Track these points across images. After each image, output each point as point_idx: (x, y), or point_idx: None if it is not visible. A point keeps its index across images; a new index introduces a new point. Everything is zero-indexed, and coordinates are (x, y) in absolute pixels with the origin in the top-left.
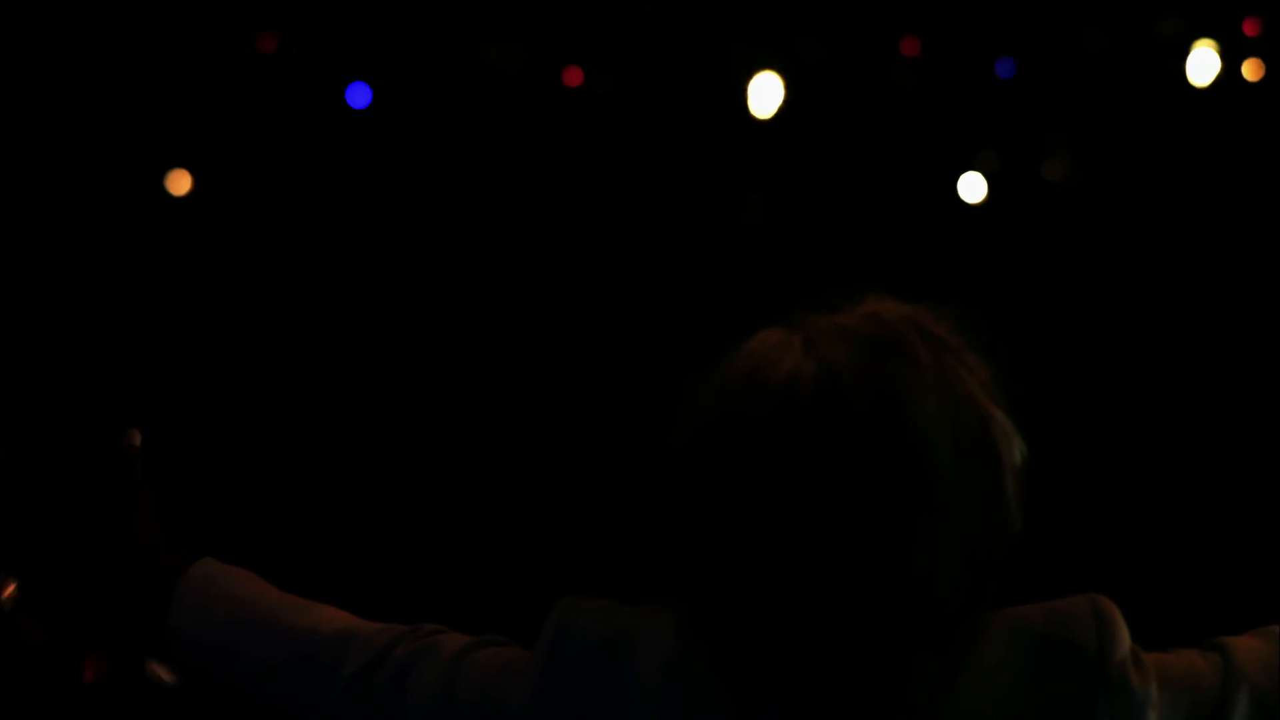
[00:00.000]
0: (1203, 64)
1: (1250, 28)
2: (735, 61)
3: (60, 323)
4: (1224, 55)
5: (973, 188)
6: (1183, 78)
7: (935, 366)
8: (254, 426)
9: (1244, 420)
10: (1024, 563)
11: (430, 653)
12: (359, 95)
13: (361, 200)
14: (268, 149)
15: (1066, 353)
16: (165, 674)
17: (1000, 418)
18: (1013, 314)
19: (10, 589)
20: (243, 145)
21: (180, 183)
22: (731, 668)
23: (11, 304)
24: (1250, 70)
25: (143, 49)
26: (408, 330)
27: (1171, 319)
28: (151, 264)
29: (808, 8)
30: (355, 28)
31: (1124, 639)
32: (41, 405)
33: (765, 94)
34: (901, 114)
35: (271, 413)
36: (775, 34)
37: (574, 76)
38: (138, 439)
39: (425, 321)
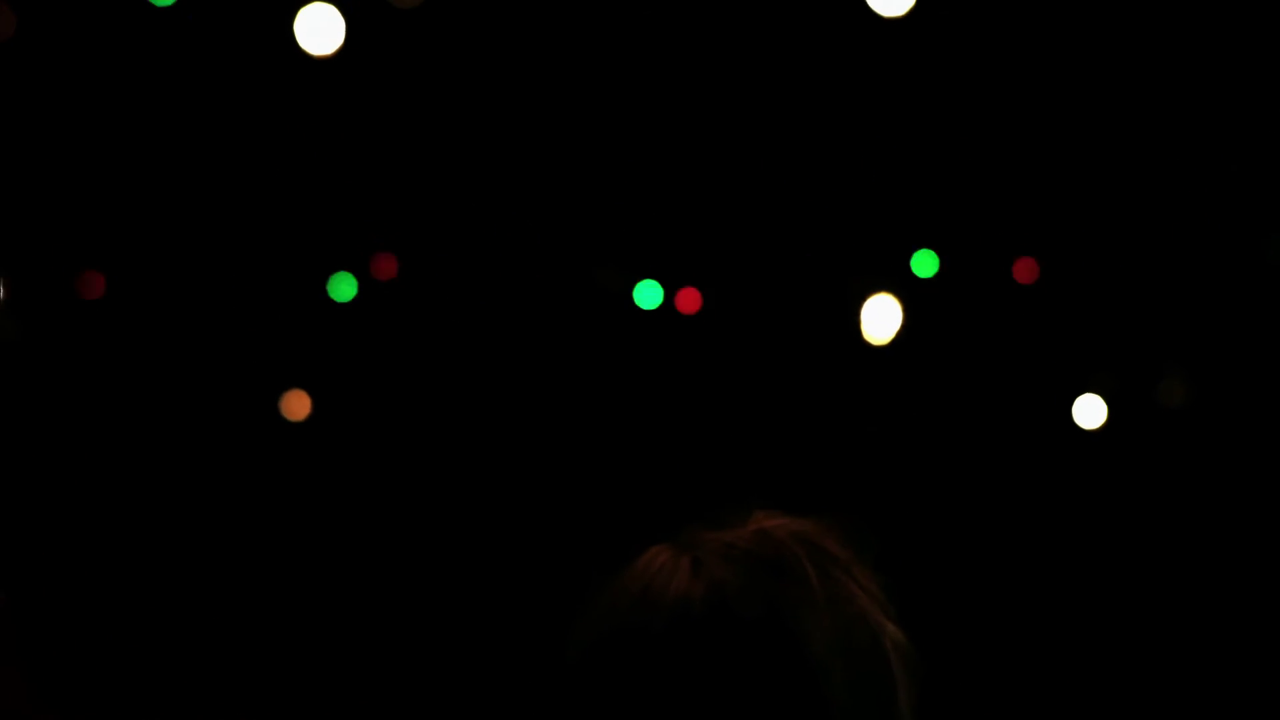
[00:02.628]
0: None
1: None
2: (850, 284)
3: None
4: None
5: (1090, 412)
6: None
7: (824, 584)
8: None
9: None
10: None
11: None
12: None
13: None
14: (390, 374)
15: (1190, 574)
16: None
17: (892, 630)
18: (1128, 538)
19: None
20: (364, 369)
21: (299, 406)
22: None
23: None
24: None
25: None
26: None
27: None
28: None
29: (923, 231)
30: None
31: None
32: None
33: (881, 318)
34: (1018, 336)
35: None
36: (890, 257)
37: (690, 302)
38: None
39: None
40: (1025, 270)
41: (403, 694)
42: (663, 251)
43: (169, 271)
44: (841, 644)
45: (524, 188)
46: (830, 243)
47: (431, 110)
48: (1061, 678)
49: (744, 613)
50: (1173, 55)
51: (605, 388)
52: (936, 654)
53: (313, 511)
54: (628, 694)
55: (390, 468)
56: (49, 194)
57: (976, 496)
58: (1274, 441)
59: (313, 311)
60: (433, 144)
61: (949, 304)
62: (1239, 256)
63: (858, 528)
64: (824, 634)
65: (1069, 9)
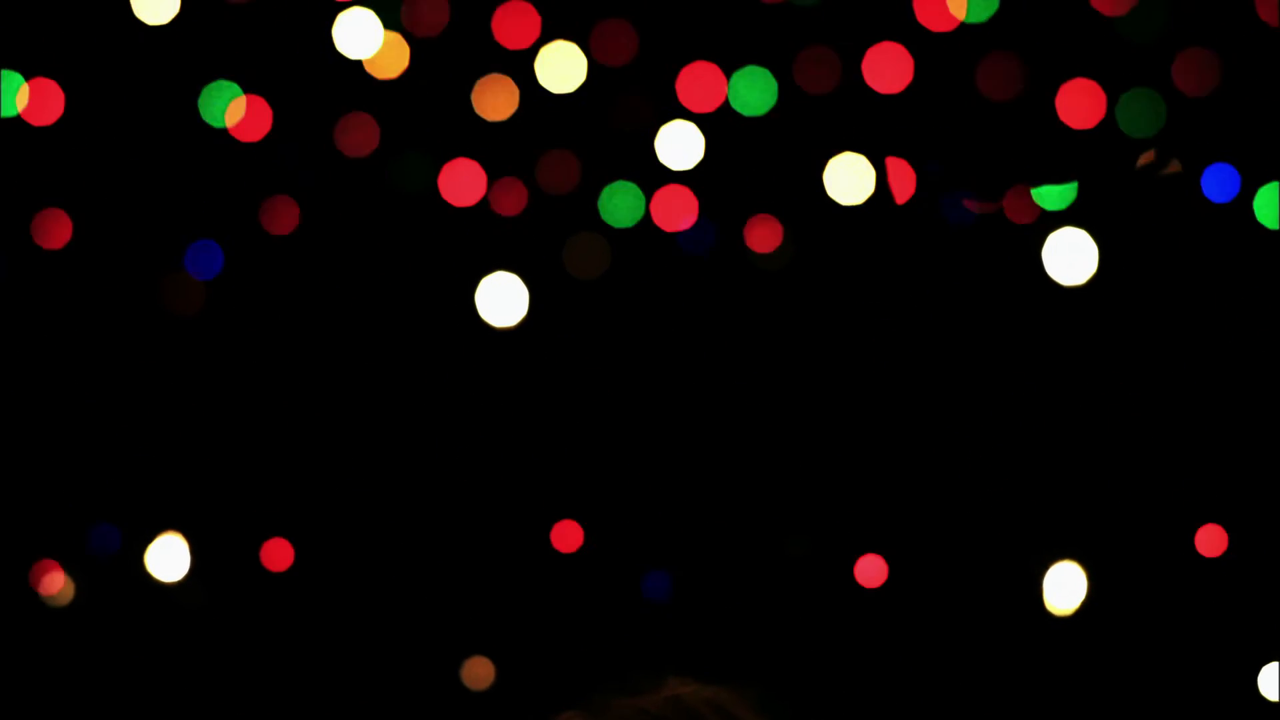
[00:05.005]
0: None
1: None
2: (1031, 554)
3: None
4: None
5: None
6: None
7: None
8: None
9: None
10: None
11: None
12: (658, 586)
13: None
14: (568, 638)
15: None
16: None
17: None
18: None
19: None
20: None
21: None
22: None
23: None
24: None
25: None
26: None
27: None
28: None
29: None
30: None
31: None
32: None
33: (1065, 588)
34: (1202, 611)
35: None
36: (1076, 529)
37: (871, 575)
38: None
39: None
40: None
41: None
42: None
43: None
44: None
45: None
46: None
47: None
48: None
49: None
50: None
51: None
52: None
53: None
54: None
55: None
56: None
57: None
58: None
59: None
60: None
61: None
62: None
63: (772, 695)
64: None
65: None
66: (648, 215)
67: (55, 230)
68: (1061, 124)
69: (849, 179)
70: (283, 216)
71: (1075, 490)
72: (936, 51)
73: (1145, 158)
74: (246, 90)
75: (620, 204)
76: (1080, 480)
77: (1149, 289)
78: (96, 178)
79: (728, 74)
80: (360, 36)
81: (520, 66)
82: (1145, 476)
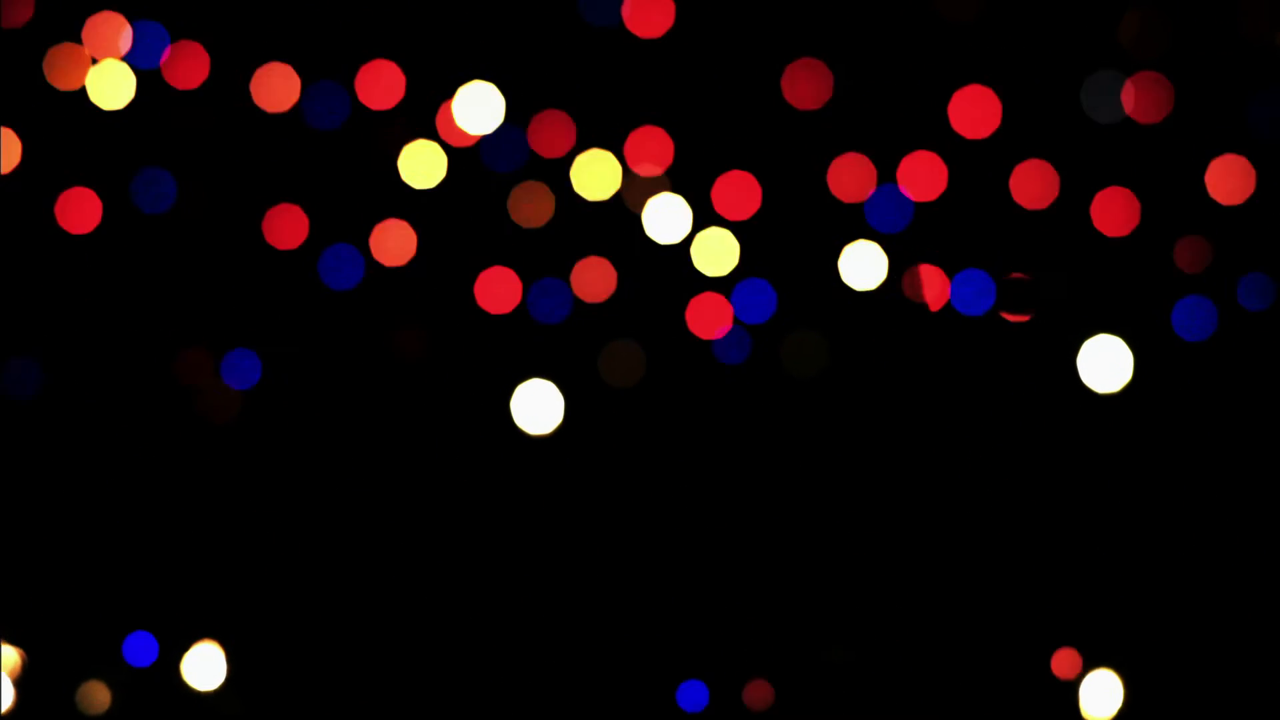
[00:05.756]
0: None
1: None
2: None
3: None
4: None
5: None
6: None
7: None
8: None
9: None
10: None
11: None
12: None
13: None
14: None
15: None
16: None
17: None
18: None
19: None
20: None
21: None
22: None
23: None
24: None
25: None
26: None
27: None
28: None
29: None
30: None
31: None
32: None
33: (1103, 696)
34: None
35: None
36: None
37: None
38: None
39: None
40: None
41: None
42: None
43: None
44: None
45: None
46: None
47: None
48: None
49: None
50: None
51: None
52: None
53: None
54: None
55: None
56: None
57: None
58: None
59: None
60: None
61: None
62: None
63: None
64: None
65: None
66: (683, 322)
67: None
68: (1096, 231)
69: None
70: (321, 323)
71: (1107, 595)
72: (971, 158)
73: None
74: (284, 199)
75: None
76: (1111, 582)
77: (1183, 396)
78: (134, 287)
79: (763, 181)
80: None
81: (557, 174)
82: (1178, 582)
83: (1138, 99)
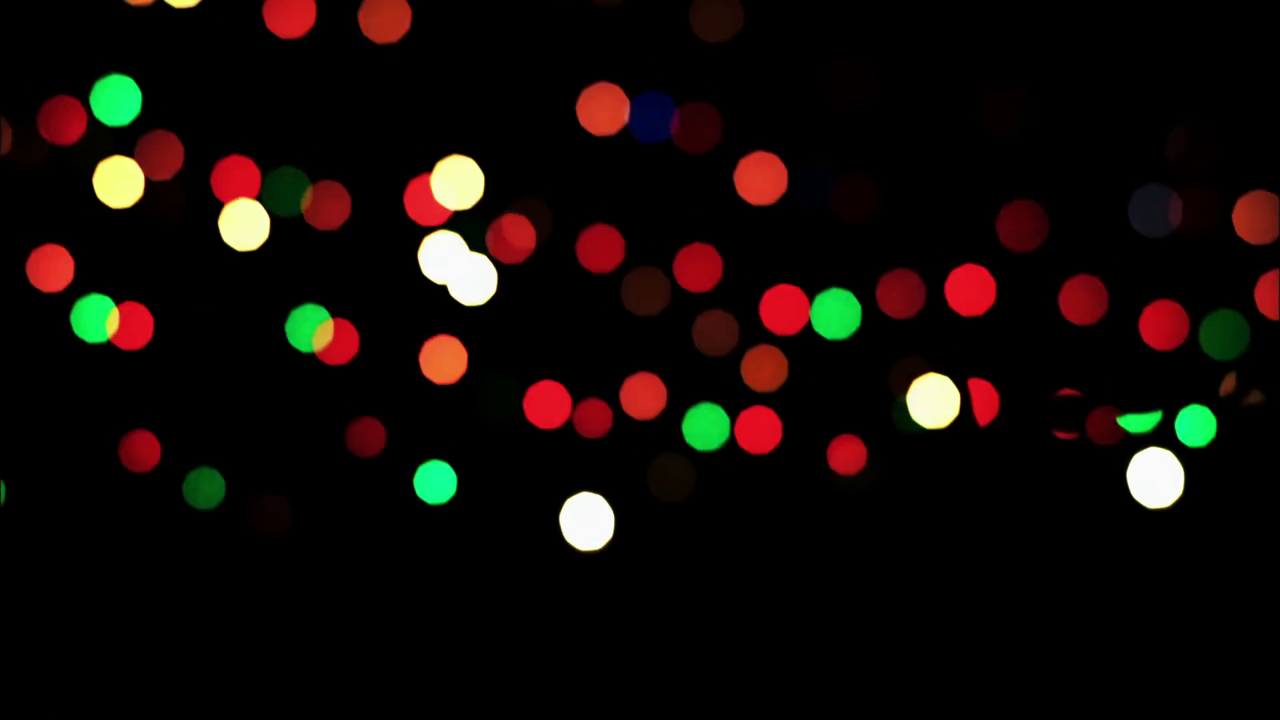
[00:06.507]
0: None
1: None
2: None
3: None
4: None
5: None
6: None
7: None
8: None
9: None
10: None
11: None
12: None
13: None
14: None
15: None
16: None
17: None
18: None
19: None
20: None
21: None
22: None
23: None
24: None
25: None
26: None
27: None
28: None
29: None
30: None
31: None
32: None
33: None
34: None
35: None
36: None
37: None
38: None
39: None
40: None
41: None
42: None
43: None
44: None
45: None
46: None
47: None
48: None
49: None
50: None
51: None
52: None
53: None
54: None
55: None
56: None
57: None
58: None
59: None
60: None
61: None
62: None
63: None
64: None
65: None
66: (732, 438)
67: (143, 453)
68: (1145, 345)
69: (934, 401)
70: (369, 438)
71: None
72: (1019, 273)
73: (1227, 385)
74: (334, 314)
75: (704, 426)
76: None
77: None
78: (184, 401)
79: (810, 297)
80: (446, 260)
81: (606, 289)
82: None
83: (1186, 212)
